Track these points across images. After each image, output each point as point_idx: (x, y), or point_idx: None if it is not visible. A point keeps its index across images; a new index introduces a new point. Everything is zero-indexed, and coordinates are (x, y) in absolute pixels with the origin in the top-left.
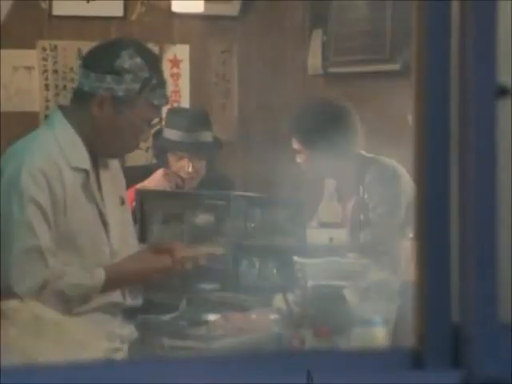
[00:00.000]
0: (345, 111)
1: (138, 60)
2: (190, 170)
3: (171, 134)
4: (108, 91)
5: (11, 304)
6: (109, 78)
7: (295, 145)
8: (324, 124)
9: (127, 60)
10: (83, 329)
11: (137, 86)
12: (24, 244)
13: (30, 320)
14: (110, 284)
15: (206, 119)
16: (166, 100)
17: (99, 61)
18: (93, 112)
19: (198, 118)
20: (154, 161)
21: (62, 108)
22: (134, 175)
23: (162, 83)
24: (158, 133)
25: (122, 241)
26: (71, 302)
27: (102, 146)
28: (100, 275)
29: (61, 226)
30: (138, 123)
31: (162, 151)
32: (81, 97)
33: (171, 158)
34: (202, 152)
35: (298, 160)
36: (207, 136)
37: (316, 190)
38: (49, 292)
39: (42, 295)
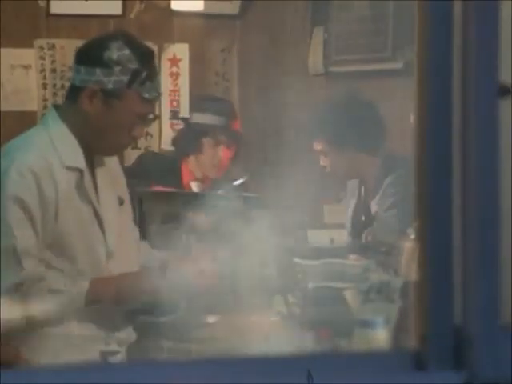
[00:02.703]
0: (372, 107)
1: (127, 52)
2: (224, 156)
3: (208, 119)
4: (98, 84)
5: None
6: (98, 70)
7: (319, 146)
8: (352, 121)
9: (116, 52)
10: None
11: (126, 79)
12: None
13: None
14: (94, 297)
15: (234, 109)
16: (157, 93)
17: (89, 54)
18: (83, 106)
19: (230, 106)
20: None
21: (56, 107)
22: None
23: (152, 76)
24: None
25: (119, 241)
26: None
27: (94, 143)
28: (83, 285)
29: (50, 227)
30: (128, 117)
31: (197, 136)
32: (73, 93)
33: (207, 144)
34: (234, 141)
35: (322, 163)
36: (238, 125)
37: (336, 192)
38: (24, 294)
39: (17, 297)
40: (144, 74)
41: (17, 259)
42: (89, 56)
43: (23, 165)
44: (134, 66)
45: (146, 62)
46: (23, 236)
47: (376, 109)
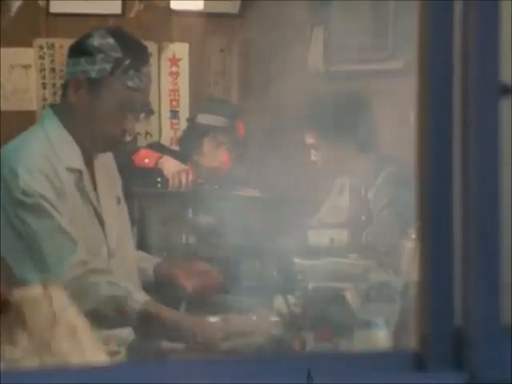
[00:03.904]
0: (366, 103)
1: (110, 40)
2: (225, 158)
3: (211, 120)
4: (83, 74)
5: (31, 292)
6: (83, 60)
7: (310, 139)
8: (344, 114)
9: (98, 39)
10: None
11: (108, 66)
12: (45, 226)
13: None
14: (146, 318)
15: (240, 113)
16: (142, 83)
17: (75, 45)
18: (70, 98)
19: (235, 109)
20: (177, 147)
21: (53, 106)
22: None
23: (136, 65)
24: (192, 118)
25: (119, 240)
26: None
27: (87, 138)
28: (140, 297)
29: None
30: (113, 106)
31: (199, 135)
32: (64, 88)
33: (208, 145)
34: (236, 144)
35: (313, 158)
36: (241, 129)
37: (325, 189)
38: (81, 280)
39: (74, 280)
40: (127, 62)
41: (68, 236)
42: (75, 47)
43: (31, 165)
44: (116, 54)
45: (131, 51)
46: (60, 218)
47: (369, 106)
